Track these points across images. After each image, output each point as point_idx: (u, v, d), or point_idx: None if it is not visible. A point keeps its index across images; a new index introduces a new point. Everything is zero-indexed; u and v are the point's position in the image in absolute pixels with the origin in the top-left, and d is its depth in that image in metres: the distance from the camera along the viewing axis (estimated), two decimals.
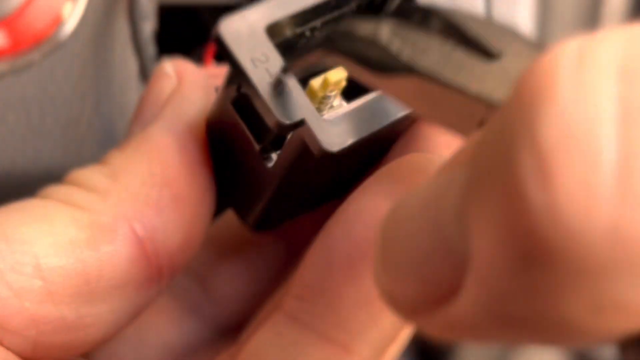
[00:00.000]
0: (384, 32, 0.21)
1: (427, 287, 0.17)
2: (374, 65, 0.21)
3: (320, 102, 0.24)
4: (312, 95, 0.24)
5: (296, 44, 0.25)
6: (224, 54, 0.23)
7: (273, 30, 0.24)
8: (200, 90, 0.27)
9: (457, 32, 0.20)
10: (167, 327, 0.28)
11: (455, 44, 0.20)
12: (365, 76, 0.21)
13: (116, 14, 0.35)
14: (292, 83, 0.23)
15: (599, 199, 0.14)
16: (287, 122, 0.23)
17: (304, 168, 0.25)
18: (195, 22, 0.38)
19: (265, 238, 0.29)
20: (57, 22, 0.35)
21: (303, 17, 0.25)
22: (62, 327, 0.24)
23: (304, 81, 0.24)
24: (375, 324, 0.23)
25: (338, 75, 0.24)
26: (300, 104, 0.23)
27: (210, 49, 0.37)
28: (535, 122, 0.15)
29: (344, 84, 0.25)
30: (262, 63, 0.23)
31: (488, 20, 0.20)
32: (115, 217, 0.25)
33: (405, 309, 0.18)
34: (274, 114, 0.23)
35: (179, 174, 0.25)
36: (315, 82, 0.24)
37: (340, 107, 0.25)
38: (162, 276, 0.25)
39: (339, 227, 0.23)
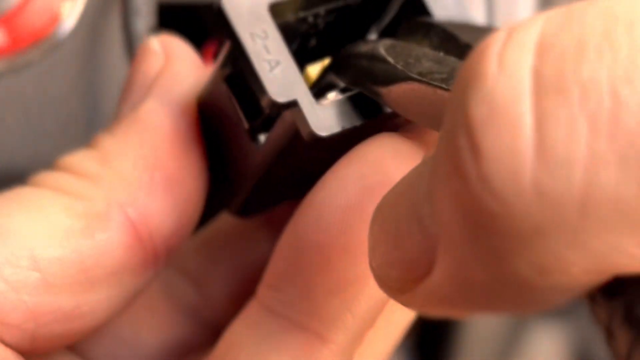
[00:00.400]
0: (381, 47, 0.22)
1: (409, 266, 0.18)
2: (375, 79, 0.22)
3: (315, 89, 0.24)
4: (307, 81, 0.24)
5: (298, 29, 0.25)
6: (223, 27, 0.23)
7: (276, 11, 0.24)
8: (189, 66, 0.26)
9: (453, 41, 0.21)
10: (162, 327, 0.28)
11: (447, 52, 0.21)
12: (369, 90, 0.22)
13: (113, 12, 0.35)
14: (288, 64, 0.23)
15: (521, 164, 0.16)
16: (280, 100, 0.23)
17: (291, 151, 0.25)
18: (195, 20, 0.38)
19: (259, 236, 0.29)
20: (56, 20, 0.35)
21: (308, 1, 0.25)
22: (60, 317, 0.24)
23: (301, 66, 0.24)
24: (349, 311, 0.23)
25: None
26: (294, 85, 0.23)
27: (210, 47, 0.37)
28: (466, 101, 0.16)
29: None
30: (261, 39, 0.23)
31: (482, 27, 0.21)
32: (108, 204, 0.24)
33: (394, 289, 0.19)
34: (267, 91, 0.23)
35: (171, 155, 0.25)
36: (312, 69, 0.24)
37: (334, 97, 0.25)
38: (158, 259, 0.25)
39: (308, 213, 0.23)
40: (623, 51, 0.16)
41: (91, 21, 0.35)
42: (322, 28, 0.25)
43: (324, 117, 0.23)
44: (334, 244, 0.23)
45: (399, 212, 0.19)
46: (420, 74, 0.21)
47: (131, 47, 0.34)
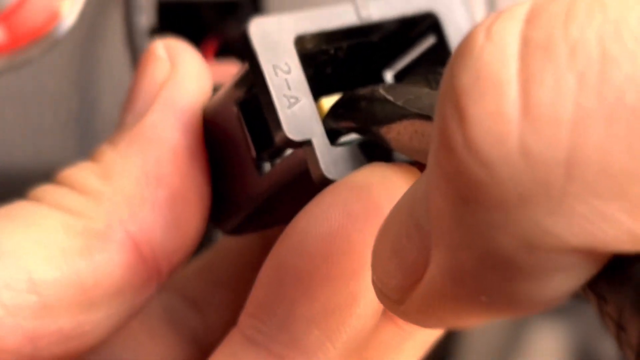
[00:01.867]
0: (381, 88, 0.22)
1: (406, 271, 0.18)
2: (375, 118, 0.22)
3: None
4: (321, 113, 0.24)
5: (316, 58, 0.25)
6: (246, 53, 0.22)
7: (299, 41, 0.23)
8: (195, 74, 0.26)
9: None
10: (162, 351, 0.28)
11: None
12: (370, 133, 0.22)
13: (113, 9, 0.35)
14: (308, 102, 0.23)
15: (507, 125, 0.16)
16: (295, 139, 0.22)
17: (296, 185, 0.24)
18: (195, 18, 0.38)
19: (261, 260, 0.29)
20: (56, 17, 0.35)
21: (333, 36, 0.24)
22: (59, 339, 0.24)
23: (315, 96, 0.24)
24: (331, 341, 0.22)
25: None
26: (311, 124, 0.23)
27: (211, 45, 0.37)
28: (453, 72, 0.16)
29: None
30: (283, 73, 0.23)
31: None
32: (109, 223, 0.24)
33: (392, 300, 0.19)
34: (284, 128, 0.22)
35: (175, 171, 0.25)
36: (327, 102, 0.24)
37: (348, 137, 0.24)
38: (160, 276, 0.25)
39: (290, 240, 0.22)
40: (613, 10, 0.16)
41: (91, 18, 0.35)
42: (340, 60, 0.25)
43: (336, 159, 0.23)
44: (316, 272, 0.22)
45: (399, 220, 0.18)
46: (420, 109, 0.21)
47: (132, 44, 0.34)
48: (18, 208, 0.24)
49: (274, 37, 0.23)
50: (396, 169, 0.23)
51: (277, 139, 0.23)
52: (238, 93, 0.24)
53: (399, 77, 0.26)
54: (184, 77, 0.26)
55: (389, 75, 0.26)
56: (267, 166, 0.25)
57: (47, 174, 0.36)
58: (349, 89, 0.24)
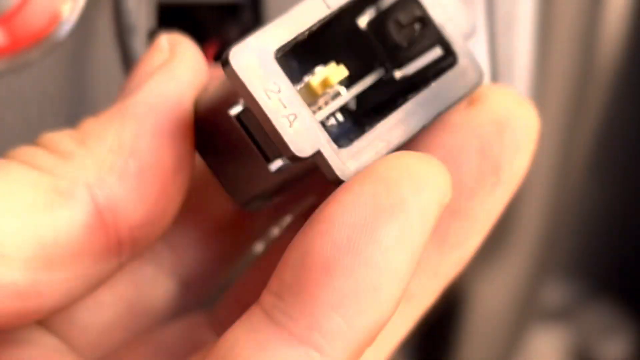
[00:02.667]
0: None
1: None
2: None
3: (319, 97, 0.24)
4: (310, 93, 0.24)
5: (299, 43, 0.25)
6: (235, 84, 0.23)
7: (280, 50, 0.23)
8: (191, 66, 0.26)
9: None
10: (142, 287, 0.28)
11: None
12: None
13: (112, 12, 0.35)
14: (305, 113, 0.23)
15: None
16: (304, 155, 0.23)
17: (310, 175, 0.25)
18: (195, 21, 0.38)
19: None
20: (56, 20, 0.35)
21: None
22: (14, 293, 0.24)
23: (301, 72, 0.24)
24: (351, 328, 0.23)
25: (339, 74, 0.24)
26: (315, 135, 0.23)
27: (211, 47, 0.37)
28: None
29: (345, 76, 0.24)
30: (275, 93, 0.23)
31: None
32: (74, 182, 0.24)
33: None
34: (291, 149, 0.23)
35: (150, 147, 0.25)
36: (314, 81, 0.24)
37: (341, 96, 0.24)
38: (122, 249, 0.25)
39: (318, 227, 0.23)
40: None
41: (91, 21, 0.35)
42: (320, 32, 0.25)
43: (345, 159, 0.23)
44: (340, 259, 0.23)
45: None
46: None
47: (132, 47, 0.34)
48: None
49: (255, 61, 0.23)
50: (420, 160, 0.23)
51: (286, 156, 0.23)
52: (231, 100, 0.24)
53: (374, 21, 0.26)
54: (178, 64, 0.26)
55: (364, 21, 0.26)
56: (279, 163, 0.25)
57: None
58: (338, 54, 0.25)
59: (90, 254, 0.24)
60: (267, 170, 0.25)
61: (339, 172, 0.23)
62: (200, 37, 0.37)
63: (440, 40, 0.24)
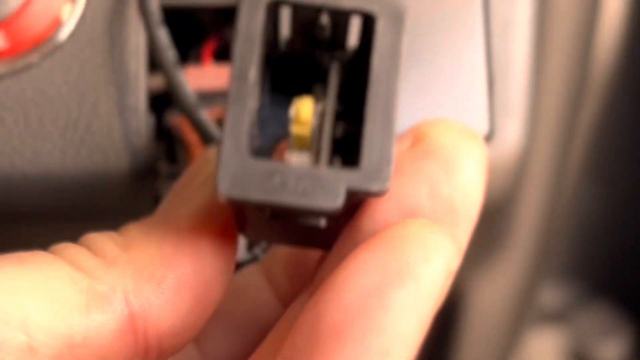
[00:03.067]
0: None
1: None
2: None
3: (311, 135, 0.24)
4: (301, 140, 0.24)
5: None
6: (241, 204, 0.23)
7: (250, 143, 0.24)
8: None
9: None
10: None
11: None
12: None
13: (118, 16, 0.36)
14: (316, 174, 0.23)
15: None
16: (339, 206, 0.23)
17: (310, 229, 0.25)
18: (194, 21, 0.38)
19: (262, 294, 0.29)
20: (56, 23, 0.35)
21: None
22: None
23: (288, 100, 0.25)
24: None
25: (307, 106, 0.24)
26: (334, 184, 0.23)
27: (209, 48, 0.37)
28: None
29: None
30: (279, 180, 0.23)
31: None
32: (113, 288, 0.24)
33: None
34: (325, 210, 0.23)
35: (190, 262, 0.25)
36: (295, 130, 0.24)
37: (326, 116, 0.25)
38: (148, 355, 0.25)
39: (330, 292, 0.23)
40: None
41: (91, 24, 0.35)
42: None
43: (372, 171, 0.23)
44: (351, 325, 0.23)
45: None
46: None
47: (160, 58, 0.34)
48: (33, 255, 0.25)
49: (240, 172, 0.23)
50: (427, 228, 0.24)
51: (327, 216, 0.24)
52: (264, 213, 0.25)
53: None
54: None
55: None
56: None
57: (46, 180, 0.36)
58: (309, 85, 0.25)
59: (115, 358, 0.25)
60: (301, 227, 0.25)
61: (377, 187, 0.23)
62: (199, 36, 0.38)
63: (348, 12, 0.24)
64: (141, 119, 0.35)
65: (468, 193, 0.25)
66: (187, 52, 0.37)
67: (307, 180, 0.23)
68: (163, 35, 0.34)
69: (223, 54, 0.37)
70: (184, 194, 0.26)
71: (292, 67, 0.26)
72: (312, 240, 0.26)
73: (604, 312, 0.62)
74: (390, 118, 0.24)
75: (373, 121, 0.24)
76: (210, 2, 0.37)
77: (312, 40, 0.25)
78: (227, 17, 0.38)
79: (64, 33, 0.35)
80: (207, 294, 0.25)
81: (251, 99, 0.23)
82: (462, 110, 0.37)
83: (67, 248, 0.25)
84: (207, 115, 0.35)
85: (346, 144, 0.25)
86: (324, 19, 0.24)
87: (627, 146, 0.60)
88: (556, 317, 0.61)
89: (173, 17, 0.36)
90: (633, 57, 0.57)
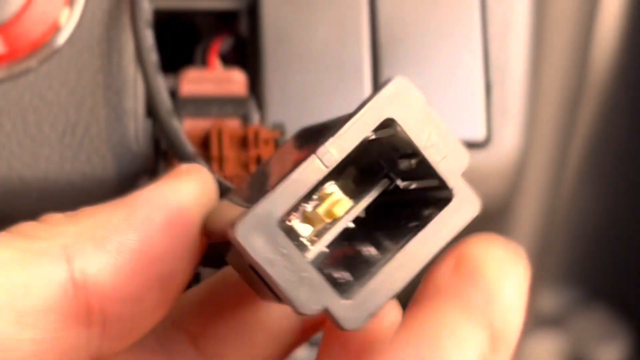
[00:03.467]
0: None
1: None
2: None
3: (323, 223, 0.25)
4: (315, 220, 0.25)
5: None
6: (243, 254, 0.23)
7: (284, 217, 0.24)
8: (198, 187, 0.26)
9: None
10: None
11: None
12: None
13: (116, 21, 0.36)
14: (311, 273, 0.24)
15: None
16: (310, 313, 0.23)
17: None
18: (187, 25, 0.38)
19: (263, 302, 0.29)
20: (54, 28, 0.35)
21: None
22: None
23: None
24: None
25: (343, 206, 0.25)
26: (322, 292, 0.24)
27: (214, 48, 0.37)
28: None
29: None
30: (281, 260, 0.23)
31: None
32: (50, 243, 0.25)
33: None
34: (298, 308, 0.23)
35: (137, 230, 0.25)
36: (321, 210, 0.25)
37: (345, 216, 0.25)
38: (91, 319, 0.25)
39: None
40: None
41: (89, 29, 0.36)
42: None
43: (353, 310, 0.24)
44: None
45: None
46: None
47: (142, 60, 0.34)
48: None
49: (261, 234, 0.23)
50: (449, 329, 0.24)
51: (295, 312, 0.24)
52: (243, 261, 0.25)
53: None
54: (187, 180, 0.27)
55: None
56: None
57: (44, 184, 0.36)
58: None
59: (59, 314, 0.25)
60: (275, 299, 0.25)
61: (347, 325, 0.24)
62: (192, 40, 0.38)
63: (435, 175, 0.25)
64: (139, 123, 0.35)
65: (508, 320, 0.25)
66: (184, 55, 0.37)
67: (302, 274, 0.23)
68: (148, 37, 0.34)
69: (226, 57, 0.37)
70: (145, 192, 0.26)
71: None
72: (277, 300, 0.26)
73: (601, 316, 0.62)
74: (399, 281, 0.24)
75: (383, 272, 0.24)
76: (206, 7, 0.37)
77: (387, 153, 0.25)
78: (224, 23, 0.38)
79: (62, 38, 0.35)
80: (156, 269, 0.25)
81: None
82: (460, 114, 0.37)
83: (20, 225, 0.26)
84: (185, 125, 0.35)
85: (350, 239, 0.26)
86: (413, 162, 0.25)
87: (625, 151, 0.60)
88: (554, 322, 0.61)
89: (169, 22, 0.36)
90: (631, 61, 0.57)
